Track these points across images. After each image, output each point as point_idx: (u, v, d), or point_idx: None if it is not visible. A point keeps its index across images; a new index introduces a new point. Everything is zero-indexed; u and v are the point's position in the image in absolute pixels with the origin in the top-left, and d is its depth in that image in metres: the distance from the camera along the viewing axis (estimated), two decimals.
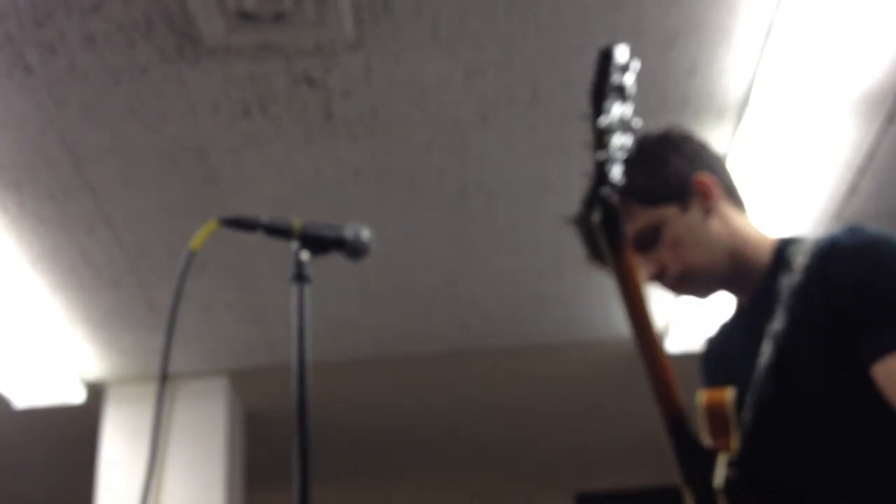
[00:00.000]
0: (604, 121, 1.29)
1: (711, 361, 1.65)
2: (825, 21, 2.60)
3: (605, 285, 4.19)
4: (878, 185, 3.39)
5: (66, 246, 3.46)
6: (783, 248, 1.50)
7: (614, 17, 2.64)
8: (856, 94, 2.92)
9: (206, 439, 4.42)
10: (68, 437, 4.94)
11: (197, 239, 1.51)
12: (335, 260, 1.59)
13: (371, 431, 5.38)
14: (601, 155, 1.29)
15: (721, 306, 1.64)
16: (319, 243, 1.53)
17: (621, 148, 1.29)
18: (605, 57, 1.30)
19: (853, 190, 3.41)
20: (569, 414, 5.31)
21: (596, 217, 1.35)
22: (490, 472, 6.16)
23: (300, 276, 1.49)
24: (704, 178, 1.53)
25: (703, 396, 1.44)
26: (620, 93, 1.31)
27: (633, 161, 1.51)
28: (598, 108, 1.29)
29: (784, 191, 3.37)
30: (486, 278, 3.93)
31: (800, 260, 1.44)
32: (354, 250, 1.55)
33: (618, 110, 1.30)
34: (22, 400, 4.33)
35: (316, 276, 1.50)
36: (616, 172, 1.29)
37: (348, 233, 1.55)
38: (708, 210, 1.52)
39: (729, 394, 1.41)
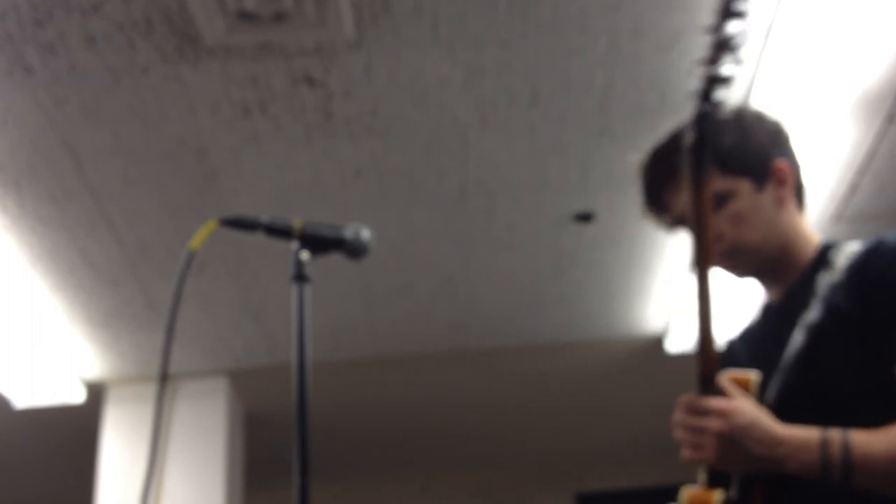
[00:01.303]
0: (724, 35, 1.29)
1: (734, 358, 1.65)
2: (825, 21, 2.60)
3: (605, 285, 4.22)
4: (878, 185, 3.39)
5: (66, 246, 3.46)
6: (826, 249, 1.52)
7: (614, 17, 2.64)
8: (856, 94, 2.92)
9: (206, 439, 4.42)
10: (68, 437, 4.94)
11: (197, 239, 1.51)
12: (335, 260, 1.59)
13: (371, 431, 5.37)
14: (713, 69, 1.30)
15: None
16: (319, 243, 1.53)
17: (730, 73, 1.29)
18: None
19: (853, 190, 3.41)
20: (569, 414, 5.31)
21: (689, 137, 1.33)
22: (490, 472, 6.16)
23: (300, 276, 1.49)
24: (785, 165, 1.55)
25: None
26: (742, 18, 1.31)
27: (726, 126, 1.54)
28: (722, 20, 1.30)
29: None
30: (486, 278, 3.93)
31: (842, 261, 1.47)
32: (354, 250, 1.55)
33: (736, 31, 1.30)
34: (22, 400, 4.33)
35: (316, 276, 1.50)
36: (721, 94, 1.29)
37: (348, 233, 1.55)
38: (779, 199, 1.53)
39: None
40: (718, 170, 1.51)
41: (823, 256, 1.51)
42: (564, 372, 4.81)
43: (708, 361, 1.36)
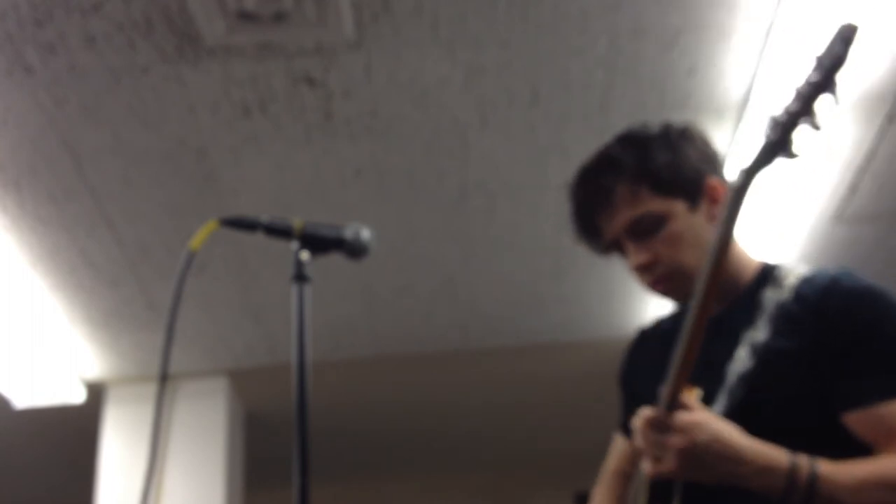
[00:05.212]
0: (832, 84, 1.21)
1: (635, 362, 1.65)
2: (825, 21, 2.60)
3: (605, 285, 4.22)
4: (878, 185, 3.39)
5: (66, 246, 3.46)
6: (769, 270, 1.50)
7: (614, 17, 2.65)
8: (856, 94, 2.92)
9: (206, 439, 4.42)
10: (68, 437, 4.94)
11: (197, 239, 1.50)
12: (335, 260, 1.59)
13: (371, 431, 5.37)
14: (808, 119, 1.23)
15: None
16: (319, 243, 1.53)
17: (800, 128, 1.23)
18: (851, 34, 1.19)
19: (853, 190, 3.41)
20: (569, 414, 5.31)
21: (745, 176, 1.28)
22: (489, 472, 6.16)
23: (300, 276, 1.49)
24: (717, 183, 1.51)
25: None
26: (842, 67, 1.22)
27: (656, 143, 1.49)
28: (831, 80, 1.21)
29: (784, 191, 3.37)
30: (486, 278, 3.93)
31: (790, 280, 1.44)
32: (354, 250, 1.55)
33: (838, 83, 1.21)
34: (22, 400, 4.33)
35: (316, 276, 1.50)
36: (795, 148, 1.24)
37: (348, 233, 1.55)
38: (713, 217, 1.50)
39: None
40: (652, 190, 1.47)
41: (768, 274, 1.49)
42: (564, 372, 4.81)
43: (680, 379, 1.31)
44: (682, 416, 1.29)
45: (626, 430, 1.67)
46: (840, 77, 1.20)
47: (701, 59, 2.79)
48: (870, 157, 3.24)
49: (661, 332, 1.63)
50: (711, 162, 1.54)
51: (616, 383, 1.78)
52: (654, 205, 1.48)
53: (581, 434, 5.55)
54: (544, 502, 6.15)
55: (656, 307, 4.16)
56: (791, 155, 1.25)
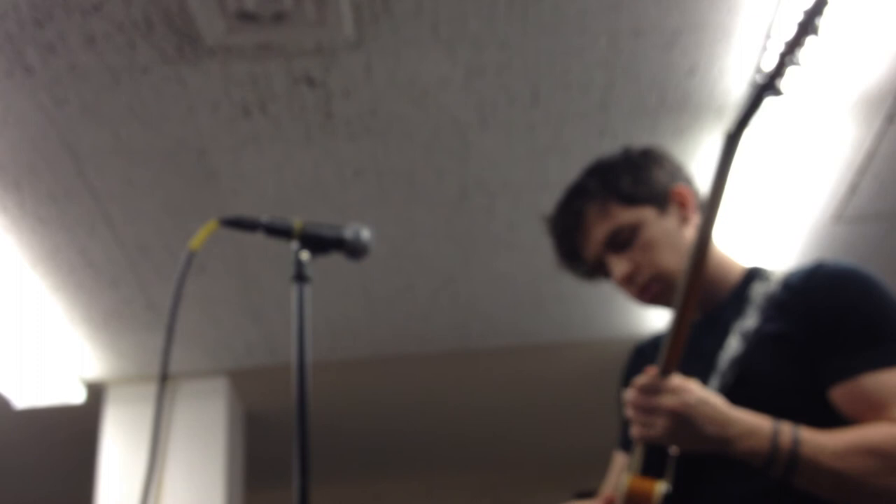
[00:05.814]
0: (813, 21, 1.33)
1: (641, 365, 1.67)
2: (825, 21, 2.60)
3: (605, 285, 4.20)
4: (878, 185, 3.39)
5: (66, 246, 3.46)
6: (756, 270, 1.56)
7: (614, 17, 2.65)
8: (856, 94, 2.92)
9: (206, 439, 4.42)
10: (68, 437, 4.95)
11: (197, 239, 1.51)
12: (335, 260, 1.59)
13: (371, 431, 5.37)
14: (791, 58, 1.31)
15: None
16: (319, 243, 1.53)
17: (788, 69, 1.31)
18: None
19: (853, 190, 3.41)
20: (569, 414, 5.31)
21: (738, 123, 1.33)
22: (490, 472, 6.16)
23: (300, 276, 1.49)
24: (683, 188, 1.59)
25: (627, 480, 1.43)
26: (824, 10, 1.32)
27: (618, 165, 1.58)
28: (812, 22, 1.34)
29: (784, 191, 3.37)
30: (486, 278, 3.93)
31: (777, 275, 1.50)
32: (354, 250, 1.55)
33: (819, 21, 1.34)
34: (22, 400, 4.33)
35: (316, 276, 1.50)
36: (782, 86, 1.31)
37: (348, 233, 1.55)
38: (684, 219, 1.57)
39: (658, 487, 1.39)
40: (619, 203, 1.55)
41: (755, 274, 1.54)
42: (564, 372, 4.81)
43: (674, 352, 1.35)
44: (672, 380, 1.33)
45: (625, 446, 1.70)
46: (822, 20, 1.34)
47: (701, 59, 2.79)
48: (870, 157, 3.24)
49: (658, 345, 1.64)
50: (675, 174, 1.61)
51: (615, 399, 1.80)
52: (625, 216, 1.55)
53: (581, 434, 5.56)
54: (544, 502, 6.15)
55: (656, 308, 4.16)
56: (777, 92, 1.32)
